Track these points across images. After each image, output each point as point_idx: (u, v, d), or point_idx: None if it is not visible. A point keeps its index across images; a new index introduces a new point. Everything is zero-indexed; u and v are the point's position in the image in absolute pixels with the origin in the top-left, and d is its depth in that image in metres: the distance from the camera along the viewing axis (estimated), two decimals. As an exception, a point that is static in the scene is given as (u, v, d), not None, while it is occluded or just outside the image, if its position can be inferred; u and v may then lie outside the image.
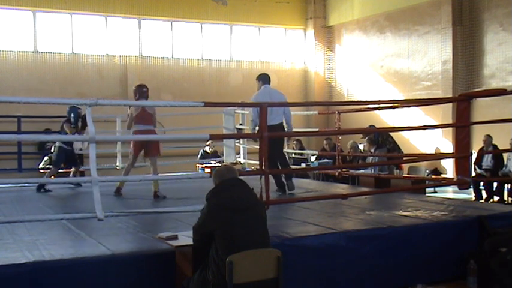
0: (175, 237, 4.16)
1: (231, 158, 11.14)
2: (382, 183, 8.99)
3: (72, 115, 8.49)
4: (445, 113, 12.72)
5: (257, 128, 7.02)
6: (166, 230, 4.48)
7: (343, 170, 9.25)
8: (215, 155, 12.96)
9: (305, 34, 17.63)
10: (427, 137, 13.37)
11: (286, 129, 7.81)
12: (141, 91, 7.69)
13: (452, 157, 8.25)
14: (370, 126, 11.47)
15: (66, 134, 8.53)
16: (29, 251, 4.12)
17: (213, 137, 9.21)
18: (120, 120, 10.64)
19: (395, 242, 5.08)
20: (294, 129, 8.32)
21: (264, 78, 7.70)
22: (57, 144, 8.65)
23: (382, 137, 10.56)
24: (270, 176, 5.52)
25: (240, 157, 11.31)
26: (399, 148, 11.20)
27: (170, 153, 13.14)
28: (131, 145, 7.87)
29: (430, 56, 14.02)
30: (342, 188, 8.49)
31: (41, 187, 8.29)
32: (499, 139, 10.42)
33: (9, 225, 5.08)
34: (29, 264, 3.81)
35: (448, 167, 12.79)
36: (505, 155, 10.70)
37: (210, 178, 3.94)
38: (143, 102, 7.46)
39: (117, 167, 10.40)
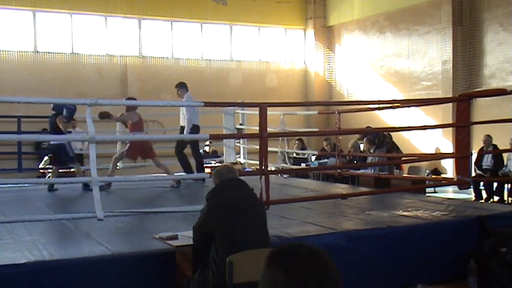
0: (175, 237, 4.16)
1: (231, 158, 11.14)
2: (382, 183, 8.98)
3: (65, 110, 8.38)
4: (445, 113, 12.71)
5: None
6: (166, 230, 4.47)
7: (343, 170, 9.25)
8: (215, 155, 12.96)
9: (305, 34, 17.62)
10: (427, 137, 13.36)
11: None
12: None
13: (452, 157, 8.25)
14: (367, 127, 11.47)
15: (60, 130, 8.32)
16: (29, 251, 4.12)
17: (213, 137, 9.25)
18: (120, 120, 10.63)
19: (395, 242, 5.08)
20: (294, 130, 8.57)
21: (186, 86, 9.05)
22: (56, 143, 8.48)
23: (379, 138, 10.56)
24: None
25: (240, 157, 11.31)
26: (398, 148, 11.20)
27: (170, 153, 13.16)
28: (126, 148, 8.33)
29: (430, 56, 14.01)
30: (342, 188, 8.48)
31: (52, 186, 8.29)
32: (499, 139, 10.41)
33: (9, 225, 5.08)
34: (29, 264, 3.81)
35: (448, 167, 12.78)
36: (505, 155, 10.70)
37: (210, 178, 3.94)
38: (144, 102, 7.51)
39: (117, 167, 10.39)
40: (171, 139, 11.44)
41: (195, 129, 8.68)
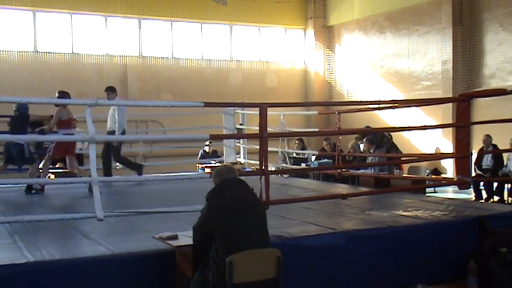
0: (175, 237, 4.16)
1: (231, 158, 11.14)
2: (382, 183, 8.98)
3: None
4: (445, 113, 12.72)
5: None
6: (166, 230, 4.47)
7: (343, 170, 9.24)
8: (215, 155, 12.96)
9: (305, 34, 17.63)
10: (427, 137, 13.36)
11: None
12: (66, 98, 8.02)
13: (452, 157, 8.25)
14: (366, 127, 11.47)
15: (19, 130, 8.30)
16: (29, 251, 4.12)
17: (213, 137, 9.25)
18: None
19: (395, 242, 5.08)
20: (294, 130, 8.57)
21: (116, 90, 9.01)
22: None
23: (377, 138, 10.56)
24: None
25: (240, 157, 11.31)
26: (396, 148, 11.19)
27: (170, 153, 13.18)
28: (51, 147, 8.18)
29: (430, 56, 14.02)
30: (342, 188, 8.48)
31: (30, 188, 8.18)
32: (499, 139, 10.42)
33: (9, 225, 5.08)
34: (29, 264, 3.81)
35: (448, 167, 12.79)
36: (505, 155, 10.70)
37: (210, 178, 3.94)
38: (144, 102, 7.51)
39: (117, 167, 10.39)
40: (172, 139, 11.46)
41: (123, 133, 8.89)
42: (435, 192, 11.00)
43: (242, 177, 3.90)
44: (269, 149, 5.63)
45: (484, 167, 10.84)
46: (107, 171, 9.27)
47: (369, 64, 15.92)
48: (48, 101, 8.07)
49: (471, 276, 4.96)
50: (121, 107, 8.74)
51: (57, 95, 8.15)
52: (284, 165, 10.62)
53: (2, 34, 13.94)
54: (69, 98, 8.12)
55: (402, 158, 10.63)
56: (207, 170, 11.28)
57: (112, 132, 8.91)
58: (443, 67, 13.55)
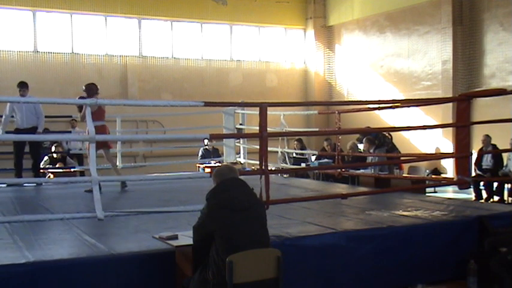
0: (175, 237, 4.15)
1: (231, 158, 11.13)
2: (382, 183, 8.97)
3: None
4: (445, 113, 12.72)
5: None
6: (166, 230, 4.47)
7: (343, 170, 9.24)
8: (216, 153, 12.95)
9: (305, 34, 17.63)
10: (427, 137, 13.37)
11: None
12: (95, 89, 7.89)
13: (452, 157, 8.25)
14: (367, 127, 11.46)
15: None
16: (29, 251, 4.12)
17: (213, 137, 9.25)
18: (120, 120, 10.64)
19: (395, 242, 5.07)
20: (294, 129, 8.54)
21: (28, 86, 8.92)
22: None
23: (379, 138, 10.56)
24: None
25: (240, 157, 11.30)
26: (397, 149, 11.20)
27: (170, 153, 13.19)
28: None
29: (430, 56, 14.02)
30: (342, 188, 8.48)
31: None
32: (498, 139, 10.42)
33: (9, 225, 5.08)
34: (29, 264, 3.81)
35: (448, 167, 12.79)
36: (504, 155, 10.70)
37: (210, 178, 3.94)
38: (144, 102, 7.49)
39: (118, 167, 10.38)
40: (172, 139, 11.44)
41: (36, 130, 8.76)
42: (435, 192, 10.99)
43: (242, 177, 3.90)
44: (269, 149, 5.63)
45: (484, 167, 10.85)
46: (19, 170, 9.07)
47: (369, 64, 15.92)
48: (48, 101, 8.09)
49: (471, 276, 4.96)
50: (39, 105, 8.59)
51: (83, 88, 8.05)
52: (284, 165, 10.62)
53: (2, 34, 13.94)
54: (96, 89, 7.98)
55: (402, 158, 10.63)
56: (207, 170, 11.28)
57: (33, 129, 8.77)
58: (443, 67, 13.55)
